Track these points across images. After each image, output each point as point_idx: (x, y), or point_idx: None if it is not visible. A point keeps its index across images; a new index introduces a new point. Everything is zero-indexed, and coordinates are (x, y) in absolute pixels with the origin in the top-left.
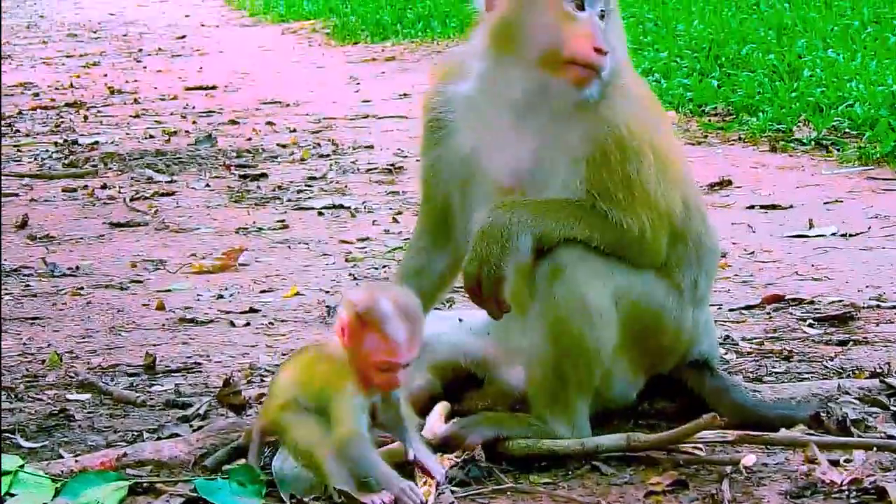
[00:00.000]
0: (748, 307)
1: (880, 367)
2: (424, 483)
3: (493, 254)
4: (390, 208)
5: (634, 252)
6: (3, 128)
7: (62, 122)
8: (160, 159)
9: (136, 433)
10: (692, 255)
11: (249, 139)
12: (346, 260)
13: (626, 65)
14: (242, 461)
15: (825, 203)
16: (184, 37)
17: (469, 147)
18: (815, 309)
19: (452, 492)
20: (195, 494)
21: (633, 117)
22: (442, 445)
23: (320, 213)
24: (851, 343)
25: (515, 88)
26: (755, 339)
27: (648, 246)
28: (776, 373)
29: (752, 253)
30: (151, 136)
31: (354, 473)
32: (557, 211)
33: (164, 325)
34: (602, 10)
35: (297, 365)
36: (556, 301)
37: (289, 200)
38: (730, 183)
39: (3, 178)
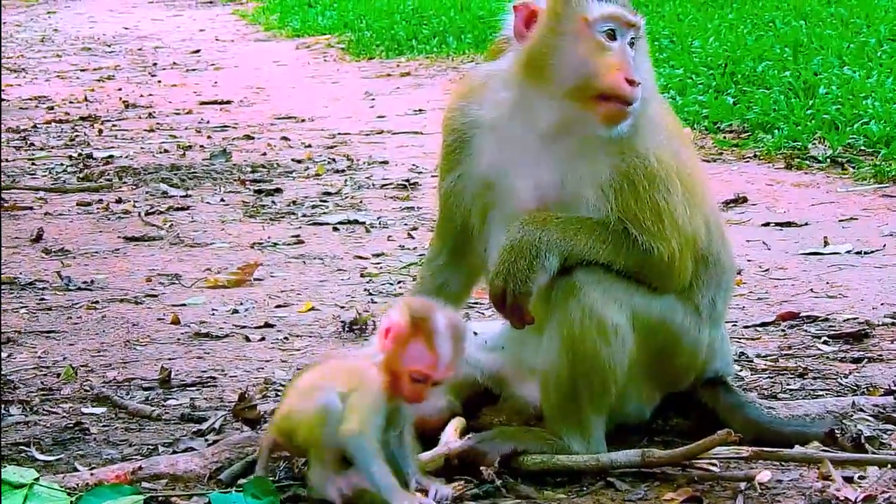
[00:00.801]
0: (763, 324)
1: (895, 385)
2: None
3: (520, 269)
4: (405, 224)
5: (663, 277)
6: (17, 141)
7: (77, 135)
8: (175, 174)
9: (151, 447)
10: (711, 275)
11: (264, 154)
12: (362, 275)
13: (653, 91)
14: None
15: (840, 220)
16: (198, 51)
17: (493, 170)
18: (830, 326)
19: None
20: None
21: (660, 146)
22: (457, 460)
23: (335, 229)
24: (866, 360)
25: (544, 118)
26: (770, 356)
27: (675, 271)
28: (791, 390)
29: (767, 270)
30: (166, 151)
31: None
32: (587, 233)
33: (179, 339)
34: (632, 39)
35: (317, 371)
36: (571, 318)
37: (304, 215)
38: (745, 200)
39: (18, 191)
